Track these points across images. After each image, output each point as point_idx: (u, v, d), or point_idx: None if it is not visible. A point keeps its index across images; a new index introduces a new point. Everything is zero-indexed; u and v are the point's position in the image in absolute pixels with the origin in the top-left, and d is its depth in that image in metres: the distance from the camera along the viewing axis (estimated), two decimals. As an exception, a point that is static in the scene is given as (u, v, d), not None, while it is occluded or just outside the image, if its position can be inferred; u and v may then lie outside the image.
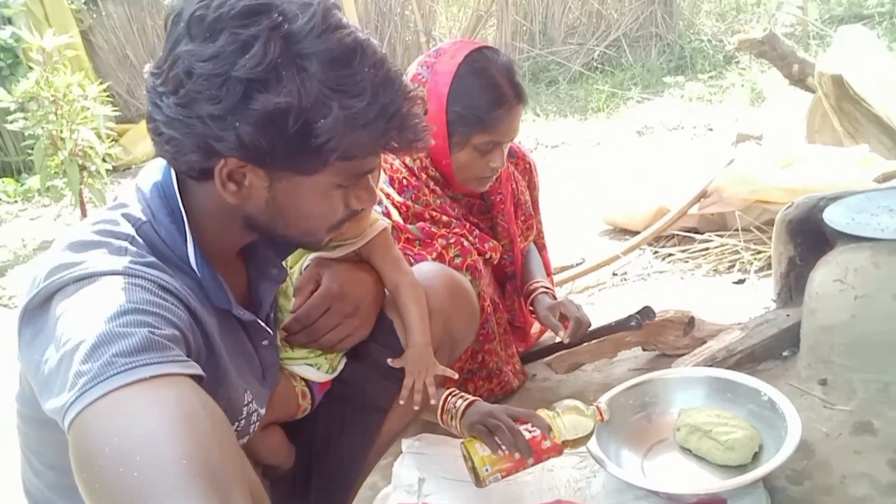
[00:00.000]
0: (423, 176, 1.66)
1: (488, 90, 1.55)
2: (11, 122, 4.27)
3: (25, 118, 4.20)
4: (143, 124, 6.14)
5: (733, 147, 3.56)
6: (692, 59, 5.65)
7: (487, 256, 1.71)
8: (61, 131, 4.22)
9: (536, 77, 6.10)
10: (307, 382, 1.29)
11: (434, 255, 1.58)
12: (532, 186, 1.99)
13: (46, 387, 0.78)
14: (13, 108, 4.20)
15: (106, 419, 0.71)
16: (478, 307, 1.50)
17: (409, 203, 1.64)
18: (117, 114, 5.19)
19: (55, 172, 4.36)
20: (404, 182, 1.64)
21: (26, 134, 4.29)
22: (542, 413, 1.39)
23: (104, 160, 4.49)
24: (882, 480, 1.36)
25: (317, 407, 1.33)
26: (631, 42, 6.06)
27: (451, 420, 1.41)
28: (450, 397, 1.43)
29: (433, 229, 1.62)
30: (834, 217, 1.76)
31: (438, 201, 1.68)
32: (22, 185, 5.46)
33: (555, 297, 1.87)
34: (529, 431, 1.35)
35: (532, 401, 1.81)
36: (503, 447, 1.32)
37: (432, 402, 1.31)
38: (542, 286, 1.88)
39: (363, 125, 0.87)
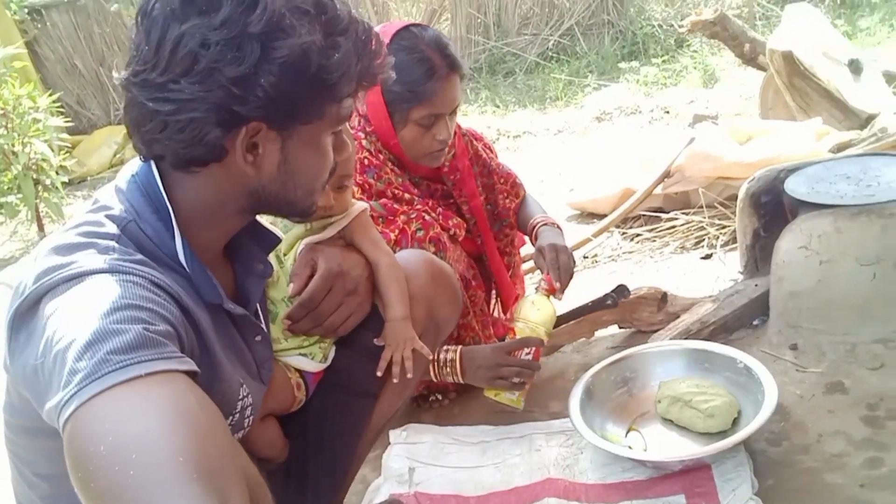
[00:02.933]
0: (381, 157, 1.68)
1: (419, 63, 1.58)
2: (-40, 139, 4.14)
3: (-25, 134, 4.09)
4: (96, 135, 6.05)
5: (691, 128, 3.63)
6: (644, 44, 5.73)
7: (451, 233, 1.73)
8: (13, 145, 4.12)
9: (493, 69, 6.13)
10: (301, 373, 1.29)
11: (396, 231, 1.59)
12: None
13: (42, 388, 0.77)
14: (-39, 124, 4.08)
15: (101, 417, 0.70)
16: (460, 291, 1.52)
17: (372, 181, 1.65)
18: (70, 125, 5.07)
19: (9, 188, 4.24)
20: (366, 161, 1.66)
21: (-23, 150, 4.17)
22: (522, 326, 1.67)
23: (58, 173, 4.39)
24: (856, 436, 1.42)
25: (309, 397, 1.33)
26: (584, 30, 6.12)
27: (449, 373, 1.65)
28: (438, 353, 1.60)
29: (395, 206, 1.64)
30: (795, 187, 1.82)
31: (399, 180, 1.69)
32: (-26, 203, 5.30)
33: (558, 227, 1.87)
34: (528, 353, 1.65)
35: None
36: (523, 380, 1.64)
37: (409, 375, 1.32)
38: (542, 219, 1.88)
39: (358, 59, 0.94)
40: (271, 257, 1.18)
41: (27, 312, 0.84)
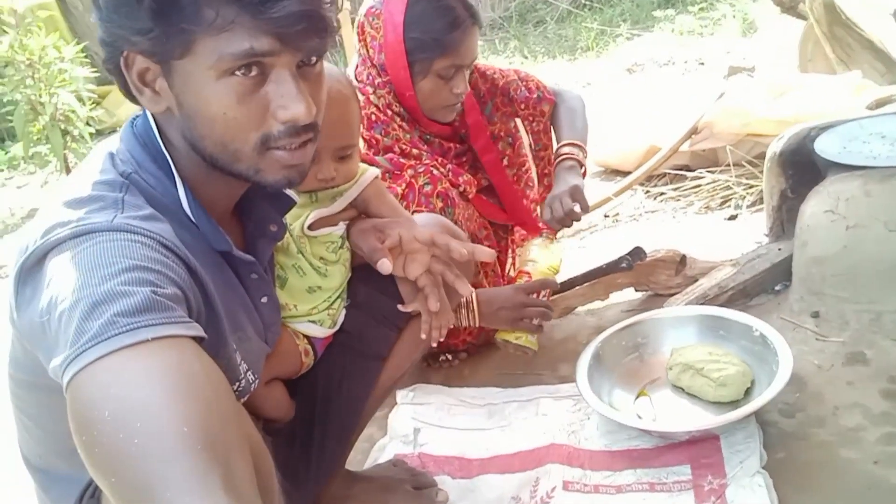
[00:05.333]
0: (389, 112, 1.64)
1: (443, 12, 1.54)
2: (-12, 89, 4.19)
3: (2, 84, 4.11)
4: (125, 85, 6.05)
5: (725, 80, 3.49)
6: (682, -10, 5.51)
7: (461, 189, 1.69)
8: (40, 96, 4.14)
9: (524, 17, 5.95)
10: (309, 339, 1.27)
11: (403, 185, 1.56)
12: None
13: (47, 345, 0.77)
14: (-12, 73, 4.12)
15: (106, 382, 0.69)
16: (475, 262, 1.47)
17: (379, 137, 1.62)
18: (97, 75, 5.08)
19: (38, 139, 4.29)
20: (373, 117, 1.62)
21: (4, 100, 4.21)
22: (532, 267, 1.71)
23: (88, 124, 4.42)
24: (874, 410, 1.36)
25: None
26: (620, -24, 5.90)
27: (465, 316, 1.62)
28: None
29: (402, 160, 1.61)
30: (825, 146, 1.73)
31: (408, 136, 1.66)
32: (6, 152, 5.38)
33: (581, 164, 1.77)
34: (544, 295, 1.68)
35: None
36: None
37: (423, 336, 1.29)
38: (565, 154, 1.77)
39: None
40: None
41: (33, 268, 0.82)
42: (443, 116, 1.66)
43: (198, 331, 0.77)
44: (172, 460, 0.65)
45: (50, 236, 0.81)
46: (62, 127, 4.24)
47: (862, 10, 2.67)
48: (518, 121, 1.90)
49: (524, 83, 1.86)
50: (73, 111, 4.26)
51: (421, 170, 1.59)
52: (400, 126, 1.65)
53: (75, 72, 4.30)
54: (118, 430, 0.66)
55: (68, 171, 4.51)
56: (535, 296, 1.65)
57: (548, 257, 1.70)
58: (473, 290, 1.63)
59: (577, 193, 1.66)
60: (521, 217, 1.89)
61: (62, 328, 0.74)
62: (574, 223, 1.67)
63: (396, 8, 1.55)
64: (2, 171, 5.28)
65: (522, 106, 1.85)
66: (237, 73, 0.84)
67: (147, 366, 0.70)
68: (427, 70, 1.56)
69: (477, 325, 1.65)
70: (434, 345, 1.30)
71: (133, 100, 0.92)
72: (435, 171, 1.61)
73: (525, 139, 1.93)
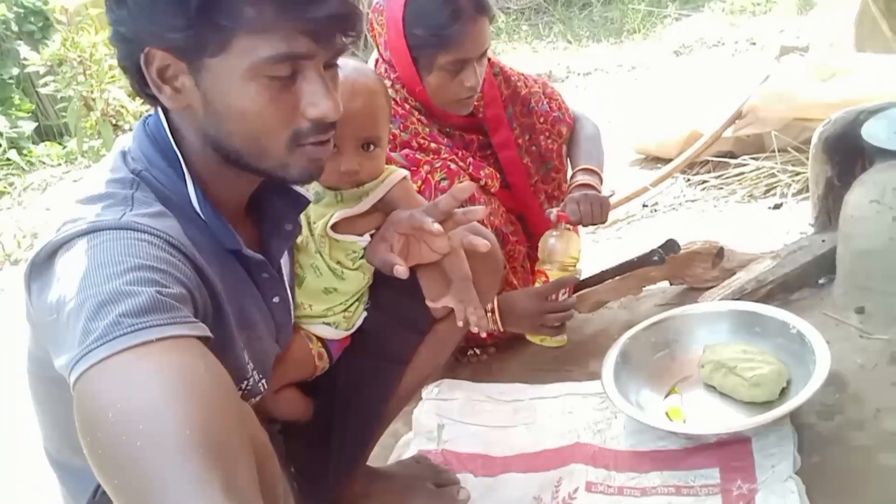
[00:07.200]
0: (407, 106, 1.61)
1: (443, 5, 1.48)
2: (44, 86, 4.33)
3: (56, 81, 4.25)
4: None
5: (776, 61, 3.34)
6: (736, -34, 5.30)
7: (482, 183, 1.66)
8: (91, 92, 4.27)
9: (569, 1, 5.83)
10: (323, 343, 1.26)
11: (419, 181, 1.53)
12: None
13: (55, 343, 0.78)
14: (43, 71, 4.26)
15: (110, 383, 0.70)
16: (502, 259, 1.43)
17: (397, 132, 1.59)
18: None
19: (91, 133, 4.42)
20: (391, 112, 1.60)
21: (59, 97, 4.36)
22: (550, 267, 1.66)
23: (139, 118, 4.53)
24: (919, 413, 1.29)
25: (337, 358, 1.31)
26: (669, -47, 5.72)
27: (489, 321, 1.60)
28: None
29: (418, 156, 1.57)
30: (873, 132, 1.63)
31: (427, 130, 1.62)
32: (64, 147, 5.57)
33: (592, 187, 1.73)
34: (565, 293, 1.67)
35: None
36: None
37: (459, 324, 1.24)
38: (578, 181, 1.74)
39: None
40: (304, 223, 1.15)
41: (43, 263, 0.84)
42: (456, 110, 1.62)
43: (203, 331, 0.77)
44: (174, 463, 0.65)
45: (60, 233, 0.82)
46: (113, 122, 4.36)
47: (922, -16, 2.52)
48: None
49: (547, 99, 1.81)
50: (124, 106, 4.38)
51: (438, 165, 1.55)
52: (418, 119, 1.62)
53: (125, 67, 4.41)
54: (121, 432, 0.67)
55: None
56: (554, 297, 1.62)
57: (565, 248, 1.64)
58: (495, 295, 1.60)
59: (604, 202, 1.66)
60: (533, 220, 1.82)
61: (70, 327, 0.75)
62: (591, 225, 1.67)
63: (397, 4, 1.51)
64: (60, 165, 5.46)
65: (541, 119, 1.80)
66: (265, 70, 0.85)
67: (151, 367, 0.70)
68: (431, 66, 1.52)
69: (501, 330, 1.66)
70: (479, 333, 1.25)
71: (148, 97, 0.92)
72: (452, 166, 1.57)
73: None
